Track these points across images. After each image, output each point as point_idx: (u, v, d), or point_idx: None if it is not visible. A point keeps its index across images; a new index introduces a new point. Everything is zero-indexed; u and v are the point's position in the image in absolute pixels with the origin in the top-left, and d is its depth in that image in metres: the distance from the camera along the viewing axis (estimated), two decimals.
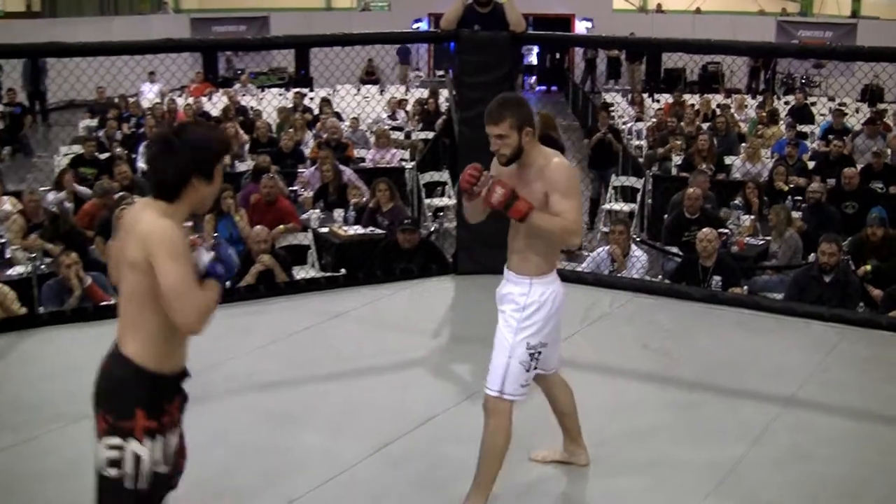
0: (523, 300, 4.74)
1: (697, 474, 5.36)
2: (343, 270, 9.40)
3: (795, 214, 11.39)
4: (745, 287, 9.56)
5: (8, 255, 9.78)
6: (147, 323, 3.63)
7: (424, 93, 20.15)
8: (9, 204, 11.28)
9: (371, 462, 5.44)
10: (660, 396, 6.49)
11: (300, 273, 9.83)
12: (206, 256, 3.75)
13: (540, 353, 4.76)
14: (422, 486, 5.23)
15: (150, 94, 21.29)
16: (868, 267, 9.65)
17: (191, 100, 20.21)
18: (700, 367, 6.92)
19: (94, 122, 18.31)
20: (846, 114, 17.43)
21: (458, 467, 5.12)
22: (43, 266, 9.10)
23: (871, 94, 20.98)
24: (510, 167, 4.71)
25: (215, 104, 20.11)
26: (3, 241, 10.08)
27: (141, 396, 3.63)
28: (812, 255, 9.52)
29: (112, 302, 8.32)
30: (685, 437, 5.86)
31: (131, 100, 19.03)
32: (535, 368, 4.79)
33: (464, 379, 6.79)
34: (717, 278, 9.24)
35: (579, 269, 9.38)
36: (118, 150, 14.57)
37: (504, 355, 4.72)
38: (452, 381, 6.75)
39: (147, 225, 3.56)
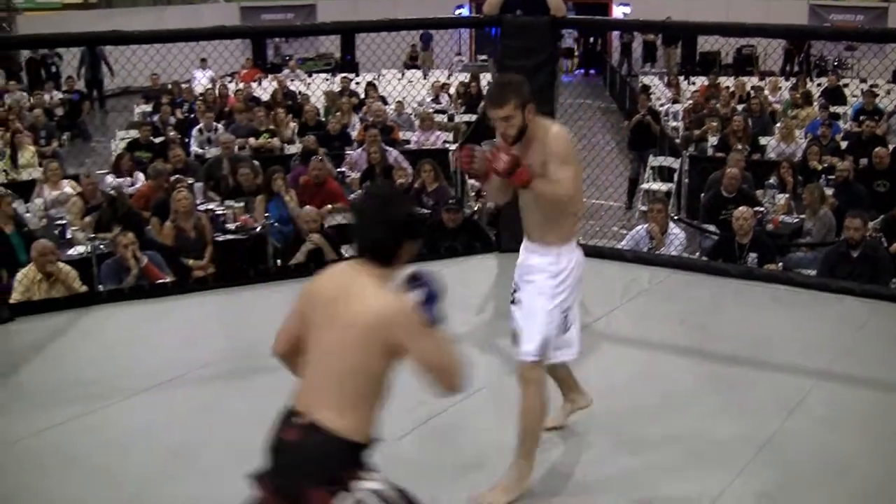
0: (554, 268, 4.83)
1: (733, 447, 5.46)
2: None
3: (828, 192, 11.58)
4: (780, 264, 9.73)
5: (69, 236, 10.11)
6: (370, 398, 3.50)
7: (467, 77, 20.34)
8: (69, 187, 11.62)
9: (414, 437, 5.56)
10: (696, 370, 6.61)
11: (349, 252, 10.09)
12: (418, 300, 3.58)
13: (567, 315, 4.95)
14: (464, 460, 5.35)
15: (202, 80, 21.59)
16: None
17: (241, 85, 20.52)
18: (735, 342, 7.04)
19: (148, 108, 18.66)
20: (877, 94, 17.55)
21: (500, 441, 5.22)
22: (102, 246, 9.41)
23: None
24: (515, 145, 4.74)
25: (265, 89, 20.42)
26: (63, 222, 10.43)
27: (349, 463, 3.46)
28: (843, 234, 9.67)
29: (167, 280, 8.66)
30: (721, 410, 5.97)
31: (184, 86, 19.32)
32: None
33: (507, 353, 6.89)
34: (752, 255, 9.40)
35: (619, 246, 9.62)
36: (172, 134, 14.86)
37: (541, 322, 4.82)
38: (497, 356, 6.77)
39: (383, 307, 3.44)
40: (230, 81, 21.30)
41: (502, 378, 6.23)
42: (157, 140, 14.74)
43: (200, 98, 17.90)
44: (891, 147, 13.50)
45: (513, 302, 5.05)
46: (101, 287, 8.58)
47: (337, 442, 3.42)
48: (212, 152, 14.06)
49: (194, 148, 14.70)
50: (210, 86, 19.95)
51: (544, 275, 4.86)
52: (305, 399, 3.52)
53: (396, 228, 3.55)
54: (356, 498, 3.39)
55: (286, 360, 3.80)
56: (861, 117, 15.67)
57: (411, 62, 27.10)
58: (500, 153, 4.61)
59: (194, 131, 15.08)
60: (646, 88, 19.13)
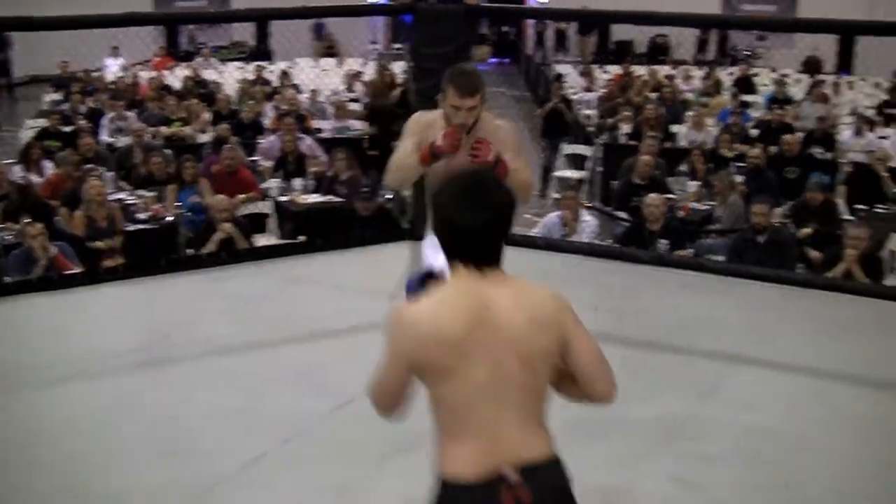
0: None
1: (648, 432, 5.51)
2: (302, 237, 9.62)
3: (738, 179, 11.73)
4: (691, 250, 9.87)
5: None
6: (545, 410, 3.05)
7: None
8: None
9: (335, 419, 5.56)
10: (610, 356, 6.61)
11: (260, 240, 10.06)
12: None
13: None
14: (388, 441, 5.27)
15: (113, 68, 21.33)
16: (808, 230, 9.99)
17: (153, 73, 20.30)
18: (649, 327, 7.12)
19: (58, 97, 18.36)
20: (786, 83, 17.86)
21: (419, 423, 5.31)
22: (9, 237, 9.26)
23: (812, 66, 21.41)
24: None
25: (178, 78, 20.23)
26: None
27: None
28: None
29: (77, 271, 8.55)
30: (635, 395, 5.89)
31: (95, 74, 19.09)
32: None
33: None
34: (663, 242, 9.50)
35: (532, 233, 9.66)
36: (82, 122, 14.65)
37: None
38: None
39: (549, 299, 3.02)
40: (142, 69, 21.05)
41: None
42: (67, 129, 14.51)
43: (112, 86, 17.66)
44: (799, 135, 13.74)
45: None
46: (7, 278, 8.43)
47: (559, 466, 2.99)
48: (123, 141, 13.89)
49: (105, 137, 14.50)
50: (122, 74, 19.70)
51: None
52: (498, 454, 2.85)
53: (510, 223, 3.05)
54: None
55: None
56: (774, 105, 15.94)
57: (326, 51, 26.95)
58: (485, 144, 4.54)
59: (105, 120, 14.87)
60: (559, 77, 19.23)
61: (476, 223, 2.91)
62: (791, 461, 5.29)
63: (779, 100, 16.71)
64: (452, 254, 2.96)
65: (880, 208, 10.95)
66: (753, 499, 4.86)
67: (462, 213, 2.90)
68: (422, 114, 4.90)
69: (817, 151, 13.24)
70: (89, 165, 11.35)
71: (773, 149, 13.06)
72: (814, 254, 9.45)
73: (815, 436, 5.57)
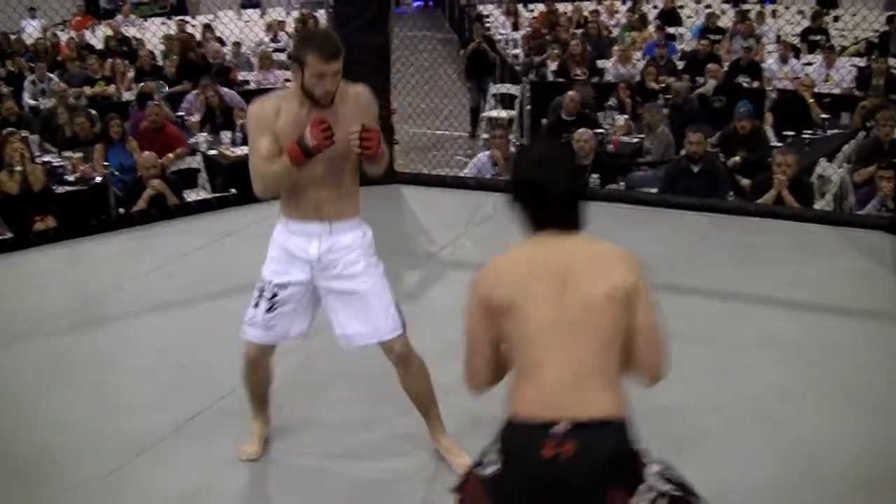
0: (368, 240, 4.34)
1: None
2: (233, 190, 9.57)
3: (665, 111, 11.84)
4: (622, 183, 9.94)
5: None
6: (617, 371, 2.99)
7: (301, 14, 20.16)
8: None
9: (276, 370, 5.54)
10: None
11: (191, 195, 10.00)
12: None
13: None
14: (315, 390, 5.36)
15: (31, 30, 20.98)
16: (737, 158, 10.07)
17: (73, 34, 19.97)
18: None
19: None
20: (716, 15, 17.93)
21: (348, 369, 5.31)
22: None
23: None
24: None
25: (98, 38, 19.93)
26: None
27: (633, 447, 2.97)
28: (683, 150, 9.88)
29: (6, 236, 8.45)
30: None
31: (13, 37, 18.75)
32: None
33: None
34: (594, 176, 9.55)
35: (462, 174, 9.68)
36: (2, 86, 14.42)
37: (387, 298, 4.34)
38: None
39: (625, 264, 3.05)
40: (62, 30, 20.71)
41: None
42: None
43: (32, 48, 17.35)
44: (725, 65, 13.84)
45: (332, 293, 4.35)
46: None
47: (618, 429, 2.90)
48: (46, 104, 13.69)
49: (28, 100, 14.29)
50: (41, 35, 19.38)
51: (362, 249, 4.31)
52: (554, 402, 2.85)
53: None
54: (650, 485, 2.89)
55: (492, 385, 3.10)
56: (705, 36, 16.03)
57: (247, 2, 26.67)
58: (374, 131, 4.07)
59: (27, 83, 14.65)
60: (480, 17, 19.19)
61: (568, 188, 3.05)
62: (715, 382, 5.37)
63: (710, 30, 16.78)
64: (539, 220, 3.04)
65: (807, 134, 11.04)
66: (686, 420, 4.91)
67: (555, 179, 3.01)
68: (260, 104, 4.20)
69: (744, 80, 13.30)
70: (10, 129, 11.17)
71: (700, 79, 13.13)
72: (744, 181, 9.54)
73: (736, 357, 5.69)
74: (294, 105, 4.12)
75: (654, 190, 9.53)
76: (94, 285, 7.13)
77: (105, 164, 10.36)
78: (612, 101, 12.41)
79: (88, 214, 9.38)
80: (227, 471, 4.61)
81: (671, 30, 18.01)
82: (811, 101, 11.83)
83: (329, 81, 4.00)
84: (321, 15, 18.33)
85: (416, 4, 32.09)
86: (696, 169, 9.15)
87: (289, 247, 4.29)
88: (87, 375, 5.64)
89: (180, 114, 12.74)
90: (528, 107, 13.81)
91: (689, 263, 7.07)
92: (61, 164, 10.50)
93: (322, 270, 4.27)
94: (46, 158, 10.77)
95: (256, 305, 4.35)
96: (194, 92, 13.05)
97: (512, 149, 9.87)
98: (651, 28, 17.76)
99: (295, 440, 4.84)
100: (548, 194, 3.01)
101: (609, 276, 2.97)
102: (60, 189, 9.80)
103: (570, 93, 11.71)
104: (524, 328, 2.91)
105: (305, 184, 4.15)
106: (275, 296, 4.31)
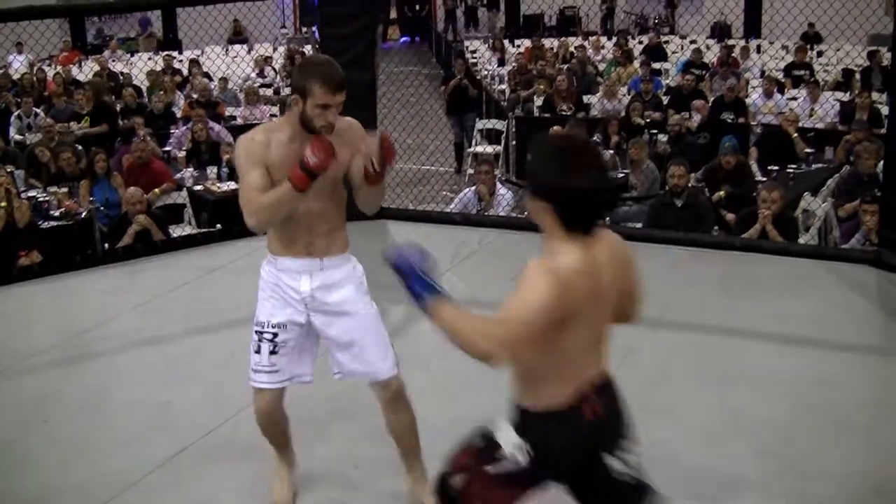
0: (358, 273, 4.28)
1: None
2: (219, 226, 9.56)
3: (662, 139, 12.01)
4: (608, 218, 9.94)
5: None
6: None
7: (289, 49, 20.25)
8: None
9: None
10: None
11: (177, 231, 9.99)
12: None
13: None
14: (313, 425, 5.27)
15: (17, 65, 20.99)
16: (722, 193, 10.10)
17: (59, 69, 19.99)
18: None
19: None
20: (701, 51, 18.07)
21: (345, 405, 5.32)
22: None
23: (720, 31, 21.70)
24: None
25: (85, 74, 19.96)
26: None
27: None
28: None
29: None
30: None
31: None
32: None
33: None
34: None
35: (448, 209, 9.68)
36: None
37: (384, 335, 4.31)
38: None
39: (626, 249, 3.25)
40: (49, 65, 20.74)
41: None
42: None
43: (18, 83, 17.36)
44: (711, 99, 13.91)
45: (330, 338, 4.29)
46: None
47: (614, 384, 3.35)
48: (32, 139, 13.69)
49: (14, 135, 14.30)
50: (27, 70, 19.39)
51: (355, 284, 4.25)
52: (581, 380, 3.16)
53: None
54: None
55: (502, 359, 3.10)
56: (692, 70, 16.15)
57: (235, 37, 26.77)
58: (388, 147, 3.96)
59: (13, 118, 14.67)
60: (461, 53, 19.30)
61: (603, 185, 3.12)
62: (706, 418, 5.35)
63: (696, 65, 16.90)
64: (574, 223, 3.03)
65: (792, 168, 11.08)
66: (673, 460, 4.90)
67: (593, 178, 3.02)
68: (250, 137, 4.06)
69: (728, 117, 13.36)
70: None
71: (685, 114, 13.19)
72: (729, 215, 9.56)
73: (726, 391, 5.67)
74: (284, 137, 4.01)
75: (639, 225, 9.53)
76: (80, 321, 7.12)
77: (90, 199, 10.34)
78: (597, 137, 12.46)
79: (73, 250, 9.35)
80: None
81: (657, 65, 18.12)
82: (795, 135, 11.88)
83: (332, 114, 3.91)
84: (308, 50, 18.45)
85: (402, 40, 32.23)
86: (679, 203, 9.16)
87: (280, 285, 4.19)
88: (71, 411, 5.62)
89: (167, 149, 12.75)
90: (514, 142, 13.85)
91: (675, 298, 7.07)
92: (46, 199, 10.48)
93: (317, 307, 4.19)
94: (31, 193, 10.75)
95: (259, 351, 4.23)
96: (184, 127, 13.07)
97: (497, 184, 9.87)
98: (636, 63, 17.87)
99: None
100: (595, 200, 3.06)
101: (626, 277, 3.23)
102: (45, 224, 9.78)
103: (555, 127, 11.75)
104: (573, 340, 3.06)
105: (297, 218, 4.04)
106: (275, 335, 4.20)
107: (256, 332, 4.23)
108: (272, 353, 4.21)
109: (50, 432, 5.39)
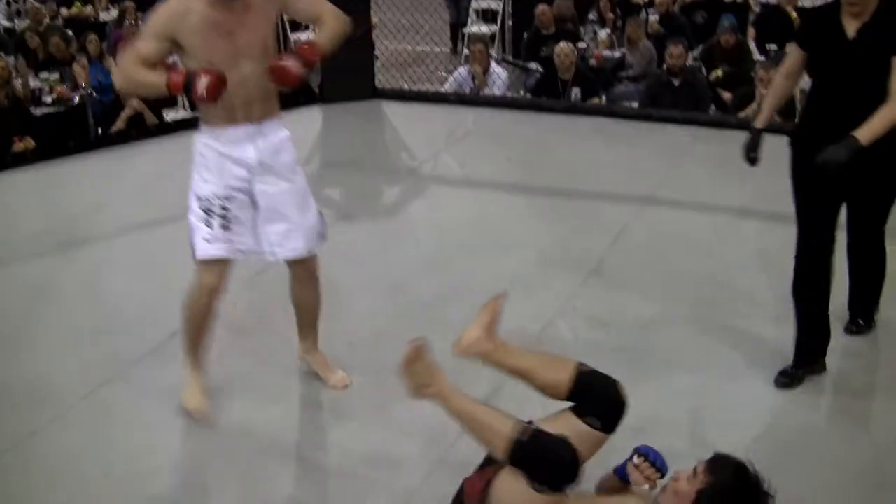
0: (291, 144, 4.24)
1: (562, 274, 5.58)
2: None
3: (653, 18, 11.78)
4: (604, 97, 9.89)
5: None
6: None
7: None
8: None
9: (253, 287, 5.43)
10: (524, 205, 6.74)
11: (170, 114, 9.93)
12: None
13: None
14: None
15: None
16: (719, 72, 10.01)
17: None
18: (563, 175, 7.17)
19: None
20: None
21: (338, 280, 5.26)
22: None
23: None
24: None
25: None
26: None
27: None
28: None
29: None
30: (550, 241, 6.10)
31: None
32: None
33: (336, 202, 6.97)
34: (575, 90, 9.50)
35: (442, 90, 9.62)
36: None
37: (314, 209, 4.34)
38: (325, 206, 6.82)
39: None
40: None
41: (334, 225, 6.25)
42: None
43: None
44: None
45: (255, 205, 4.22)
46: None
47: None
48: (21, 25, 13.55)
49: (2, 21, 14.15)
50: None
51: (291, 153, 4.24)
52: None
53: None
54: None
55: None
56: None
57: None
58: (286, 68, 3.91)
59: (2, 5, 14.51)
60: None
61: None
62: (701, 295, 5.36)
63: None
64: None
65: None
66: (670, 335, 4.92)
67: None
68: (167, 6, 3.94)
69: None
70: None
71: None
72: (726, 95, 9.48)
73: (721, 269, 5.66)
74: (202, 4, 3.88)
75: (635, 104, 9.48)
76: (74, 206, 7.09)
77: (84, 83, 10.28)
78: (592, 15, 12.32)
79: (67, 135, 9.31)
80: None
81: None
82: (794, 15, 11.73)
83: None
84: None
85: None
86: (676, 82, 9.09)
87: (225, 156, 4.11)
88: (68, 296, 5.62)
89: None
90: (510, 22, 13.69)
91: (670, 177, 7.05)
92: (39, 85, 10.41)
93: (261, 175, 4.14)
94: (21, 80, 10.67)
95: (209, 224, 4.16)
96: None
97: (492, 63, 9.79)
98: None
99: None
100: None
101: None
102: (38, 111, 9.72)
103: (542, 6, 11.64)
104: None
105: (234, 86, 3.90)
106: (224, 208, 4.15)
107: (202, 208, 4.16)
108: (224, 227, 4.18)
109: (44, 318, 5.39)
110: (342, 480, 3.91)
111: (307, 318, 4.58)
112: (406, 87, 9.84)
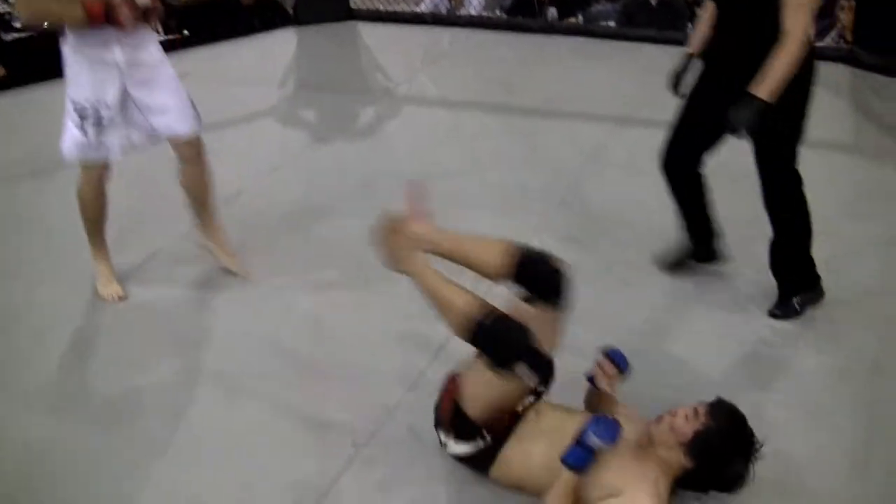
0: (155, 35, 4.35)
1: (537, 195, 5.58)
2: (186, 32, 9.40)
3: None
4: (581, 17, 9.83)
5: None
6: None
7: None
8: None
9: (228, 208, 5.37)
10: (500, 126, 6.71)
11: None
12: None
13: None
14: (285, 217, 5.36)
15: None
16: None
17: None
18: (539, 95, 7.14)
19: None
20: None
21: (304, 201, 5.34)
22: None
23: None
24: None
25: None
26: None
27: None
28: None
29: None
30: (525, 162, 6.09)
31: None
32: None
33: (311, 123, 6.95)
34: (552, 9, 9.42)
35: (418, 9, 9.55)
36: None
37: (184, 93, 4.48)
38: (300, 128, 6.85)
39: None
40: None
41: (310, 146, 6.24)
42: None
43: None
44: None
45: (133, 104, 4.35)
46: None
47: None
48: None
49: None
50: None
51: (155, 43, 4.32)
52: None
53: None
54: None
55: None
56: None
57: None
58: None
59: None
60: None
61: None
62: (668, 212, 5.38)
63: None
64: None
65: None
66: (638, 255, 4.94)
67: None
68: None
69: None
70: None
71: None
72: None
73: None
74: None
75: (612, 23, 9.43)
76: (50, 133, 7.01)
77: None
78: None
79: (38, 62, 9.19)
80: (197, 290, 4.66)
81: None
82: None
83: None
84: None
85: None
86: (653, 1, 9.03)
87: (94, 59, 4.14)
88: (46, 221, 5.58)
89: None
90: None
91: (647, 97, 7.00)
92: (7, 10, 10.26)
93: (131, 73, 4.22)
94: None
95: (84, 131, 4.27)
96: None
97: None
98: None
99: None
100: None
101: None
102: (9, 37, 9.59)
103: None
104: None
105: None
106: (98, 112, 4.23)
107: (77, 112, 4.24)
108: (99, 133, 4.28)
109: (25, 243, 5.37)
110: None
111: (200, 198, 4.77)
112: (381, 7, 9.77)
